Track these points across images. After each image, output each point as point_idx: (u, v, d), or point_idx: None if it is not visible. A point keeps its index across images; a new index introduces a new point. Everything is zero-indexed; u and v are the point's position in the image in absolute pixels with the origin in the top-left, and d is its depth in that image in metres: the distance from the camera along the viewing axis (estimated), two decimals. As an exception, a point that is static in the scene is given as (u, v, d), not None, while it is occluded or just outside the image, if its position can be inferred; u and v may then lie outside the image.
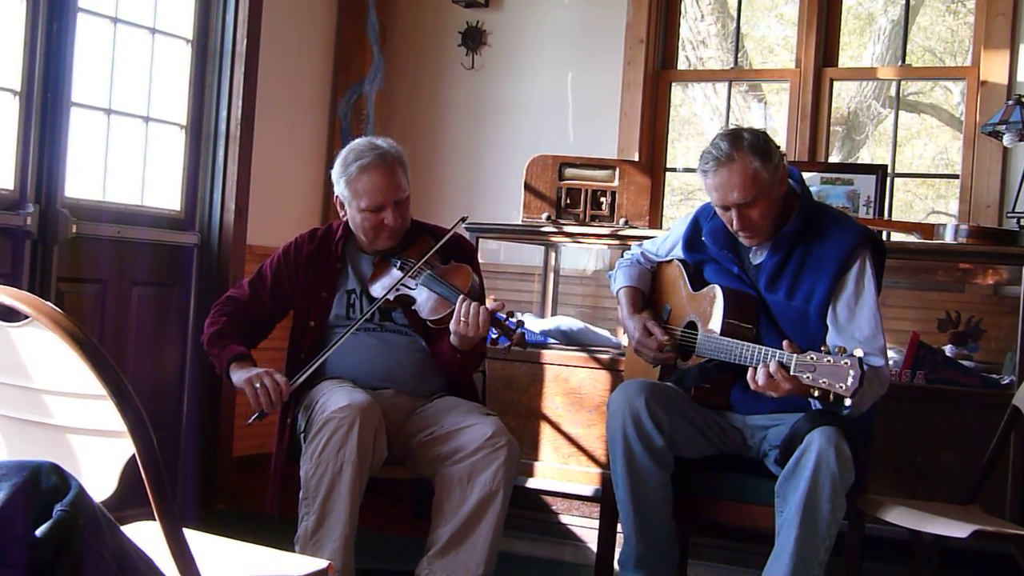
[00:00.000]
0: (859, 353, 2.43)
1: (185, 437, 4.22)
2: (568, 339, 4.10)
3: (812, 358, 2.47)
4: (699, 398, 2.90)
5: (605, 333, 4.17)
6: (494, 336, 2.89)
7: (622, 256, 3.37)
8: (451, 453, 2.82)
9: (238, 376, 2.91)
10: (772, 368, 2.53)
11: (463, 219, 3.18)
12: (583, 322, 4.20)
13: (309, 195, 4.93)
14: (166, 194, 4.23)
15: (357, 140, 3.14)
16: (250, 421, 2.87)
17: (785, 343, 2.56)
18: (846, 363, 2.42)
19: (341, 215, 3.14)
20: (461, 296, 2.87)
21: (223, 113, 4.31)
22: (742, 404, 2.89)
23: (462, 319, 2.83)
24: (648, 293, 3.22)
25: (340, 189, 3.09)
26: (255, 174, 4.41)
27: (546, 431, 3.99)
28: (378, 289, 3.04)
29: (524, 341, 2.87)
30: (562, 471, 3.95)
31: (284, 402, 2.88)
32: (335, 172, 3.10)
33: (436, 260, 3.06)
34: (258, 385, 2.82)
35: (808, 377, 2.47)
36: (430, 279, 2.99)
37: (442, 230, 3.16)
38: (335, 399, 2.79)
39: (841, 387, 2.42)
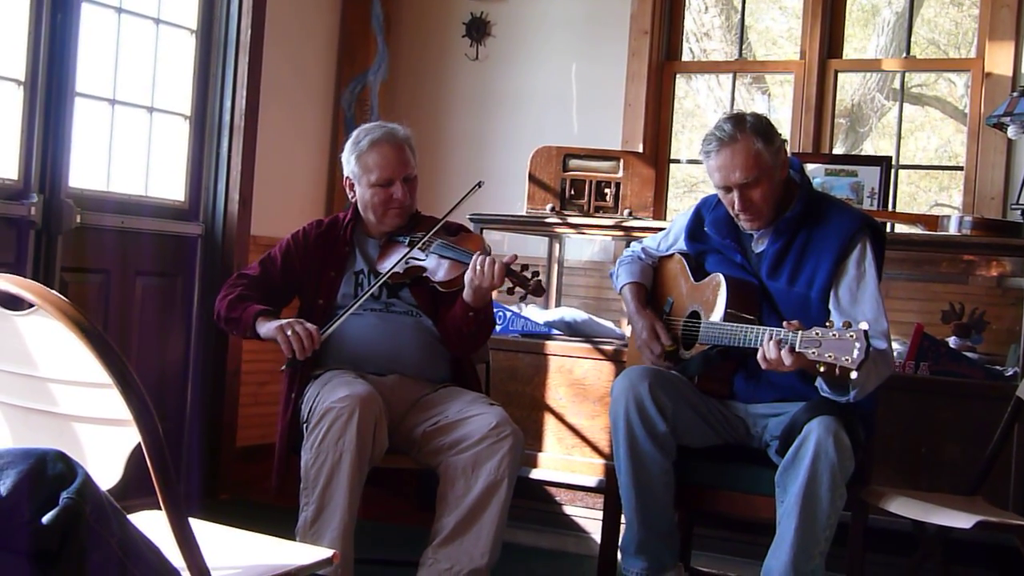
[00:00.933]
0: (864, 326, 2.41)
1: (189, 427, 4.23)
2: (572, 330, 4.10)
3: (817, 333, 2.46)
4: (702, 386, 2.90)
5: (609, 324, 4.17)
6: (510, 286, 2.89)
7: (623, 253, 3.37)
8: (455, 442, 2.82)
9: (267, 327, 2.93)
10: (776, 344, 2.52)
11: (479, 184, 3.13)
12: (587, 313, 4.20)
13: (313, 186, 4.93)
14: (170, 184, 4.24)
15: (366, 124, 3.17)
16: (283, 368, 2.97)
17: (785, 323, 2.54)
18: (851, 336, 2.40)
19: (351, 197, 3.17)
20: (475, 253, 2.89)
21: (227, 103, 4.31)
22: (744, 393, 2.89)
23: (477, 269, 2.85)
24: (650, 288, 3.22)
25: (350, 167, 3.12)
26: (259, 165, 4.42)
27: (550, 422, 3.99)
28: (387, 265, 3.05)
29: (541, 288, 2.87)
30: (566, 462, 3.95)
31: (314, 349, 2.88)
32: (345, 153, 3.15)
33: (444, 234, 3.07)
34: (289, 332, 2.85)
35: (813, 352, 2.44)
36: (441, 247, 3.01)
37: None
38: (335, 390, 2.79)
39: (847, 359, 2.39)
